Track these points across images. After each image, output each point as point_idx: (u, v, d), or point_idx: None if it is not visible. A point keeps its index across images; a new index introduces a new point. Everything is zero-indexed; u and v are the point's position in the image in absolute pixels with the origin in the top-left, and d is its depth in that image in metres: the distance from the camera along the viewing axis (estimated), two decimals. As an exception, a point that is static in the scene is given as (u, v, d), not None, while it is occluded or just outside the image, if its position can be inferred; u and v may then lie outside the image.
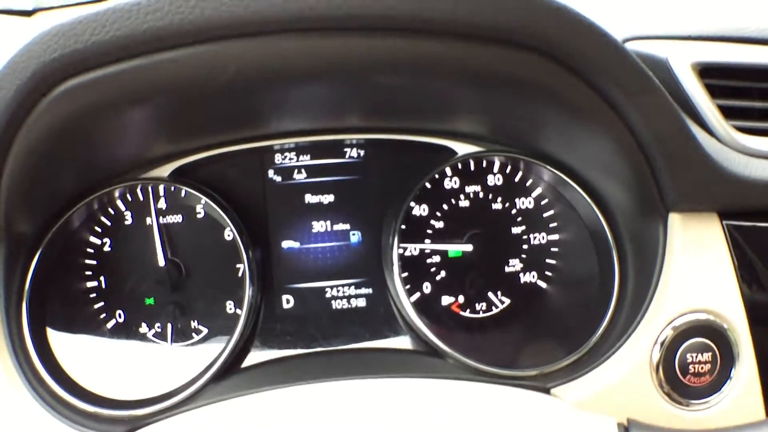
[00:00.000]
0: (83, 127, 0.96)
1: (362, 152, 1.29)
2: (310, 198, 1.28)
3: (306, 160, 1.29)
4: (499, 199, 1.28)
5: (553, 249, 1.28)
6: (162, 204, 1.22)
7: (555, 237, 1.28)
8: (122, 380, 1.14)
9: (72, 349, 1.15)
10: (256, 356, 1.21)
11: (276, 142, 1.26)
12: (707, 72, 1.10)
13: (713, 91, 1.10)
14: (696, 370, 1.03)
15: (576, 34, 0.89)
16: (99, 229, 1.21)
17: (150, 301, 1.21)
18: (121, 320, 1.20)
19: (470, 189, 1.27)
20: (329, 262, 1.28)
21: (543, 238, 1.28)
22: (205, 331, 1.21)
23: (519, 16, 0.86)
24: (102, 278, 1.21)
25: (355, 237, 1.29)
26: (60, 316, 1.16)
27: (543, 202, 1.28)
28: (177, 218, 1.23)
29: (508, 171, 1.28)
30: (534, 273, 1.28)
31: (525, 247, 1.28)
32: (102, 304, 1.20)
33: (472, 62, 0.93)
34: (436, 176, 1.25)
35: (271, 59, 0.89)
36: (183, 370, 1.15)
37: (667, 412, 1.03)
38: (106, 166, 1.17)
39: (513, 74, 0.95)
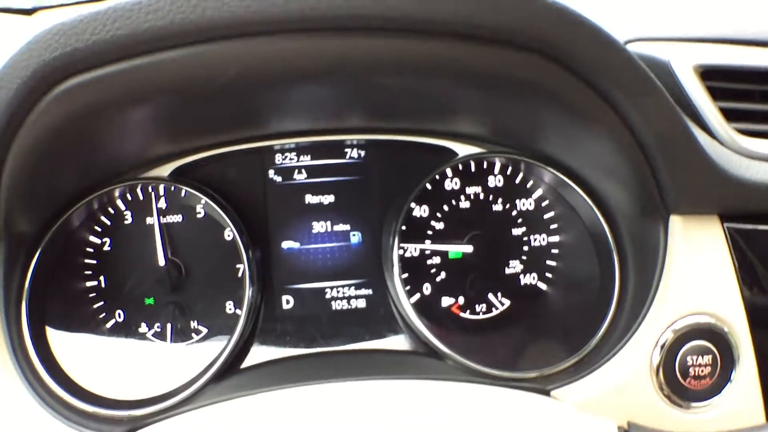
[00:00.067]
0: (83, 127, 0.96)
1: (363, 153, 1.29)
2: (310, 198, 1.28)
3: (306, 160, 1.29)
4: (500, 200, 1.28)
5: (553, 250, 1.28)
6: (162, 204, 1.22)
7: (555, 238, 1.28)
8: (121, 380, 1.14)
9: (71, 348, 1.15)
10: (255, 356, 1.20)
11: (276, 143, 1.26)
12: (709, 74, 1.10)
13: (715, 94, 1.10)
14: (696, 373, 1.03)
15: (577, 36, 0.89)
16: (99, 229, 1.21)
17: (150, 300, 1.21)
18: (120, 320, 1.20)
19: (471, 190, 1.27)
20: (329, 262, 1.28)
21: (543, 239, 1.28)
22: (204, 331, 1.21)
23: (520, 17, 0.86)
24: (102, 278, 1.20)
25: (356, 238, 1.29)
26: (59, 315, 1.16)
27: (543, 204, 1.28)
28: (177, 218, 1.23)
29: (508, 172, 1.28)
30: (534, 274, 1.27)
31: (525, 248, 1.28)
32: (101, 303, 1.20)
33: (473, 63, 0.92)
34: (437, 177, 1.25)
35: (272, 59, 0.88)
36: (182, 370, 1.14)
37: (667, 415, 1.03)
38: (106, 166, 1.17)
39: (514, 75, 0.95)
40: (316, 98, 1.09)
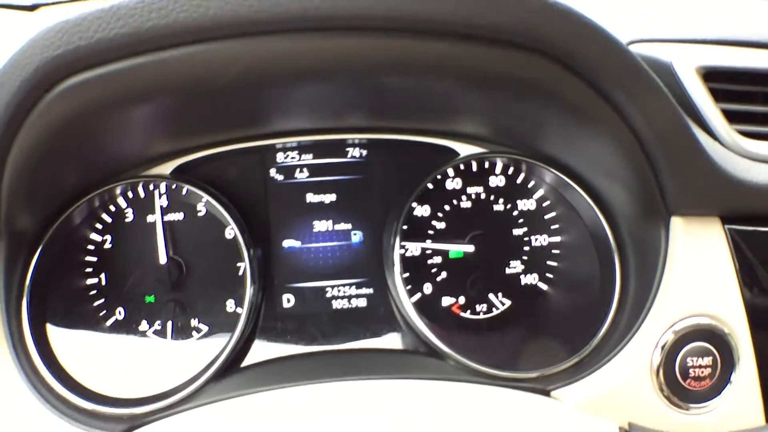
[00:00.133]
0: (85, 125, 0.96)
1: (364, 152, 1.29)
2: (311, 197, 1.28)
3: (308, 159, 1.28)
4: (501, 200, 1.28)
5: (554, 251, 1.28)
6: (163, 202, 1.21)
7: (556, 239, 1.28)
8: (122, 378, 1.14)
9: (72, 345, 1.15)
10: (256, 355, 1.20)
11: (278, 141, 1.26)
12: (711, 76, 1.11)
13: (717, 95, 1.10)
14: (696, 374, 1.03)
15: (579, 36, 0.89)
16: (100, 226, 1.21)
17: (150, 298, 1.21)
18: (121, 317, 1.20)
19: (472, 190, 1.28)
20: (330, 261, 1.28)
21: (544, 239, 1.28)
22: (205, 329, 1.21)
23: (522, 17, 0.87)
24: (102, 275, 1.20)
25: (357, 237, 1.28)
26: (60, 312, 1.16)
27: (545, 204, 1.28)
28: (178, 216, 1.23)
29: (510, 172, 1.28)
30: (535, 275, 1.28)
31: (526, 248, 1.28)
32: (102, 301, 1.20)
33: (474, 63, 0.93)
34: (438, 177, 1.25)
35: (275, 59, 0.89)
36: (183, 369, 1.14)
37: (666, 416, 1.03)
38: (108, 164, 1.17)
39: (516, 75, 0.95)
40: (318, 97, 1.09)
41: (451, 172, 1.26)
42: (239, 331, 1.16)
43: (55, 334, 1.14)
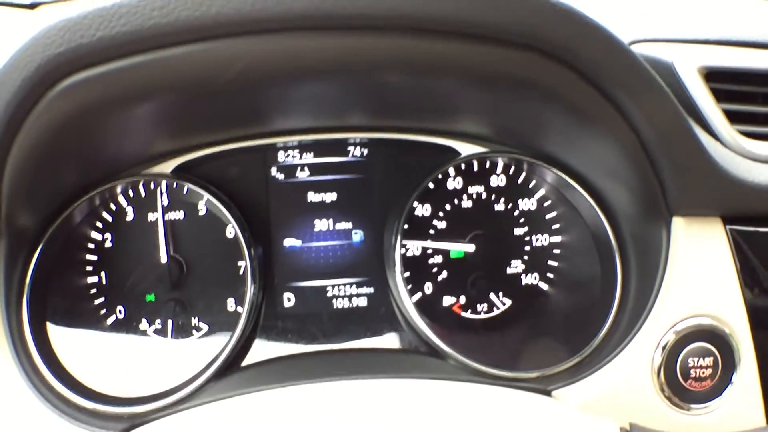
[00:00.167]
0: (87, 123, 0.95)
1: (365, 151, 1.29)
2: (312, 196, 1.28)
3: (309, 158, 1.28)
4: (502, 200, 1.28)
5: (555, 251, 1.28)
6: (164, 200, 1.21)
7: (557, 239, 1.28)
8: (122, 377, 1.14)
9: (72, 344, 1.15)
10: (256, 354, 1.20)
11: (279, 140, 1.26)
12: (713, 76, 1.10)
13: (719, 96, 1.10)
14: (697, 375, 1.03)
15: (582, 36, 0.89)
16: (100, 225, 1.21)
17: (151, 297, 1.21)
18: (121, 316, 1.20)
19: (473, 189, 1.27)
20: (331, 260, 1.28)
21: (545, 239, 1.28)
22: (205, 328, 1.21)
23: (524, 16, 0.86)
24: (103, 274, 1.20)
25: (357, 236, 1.28)
26: (60, 311, 1.16)
27: (546, 204, 1.28)
28: (179, 215, 1.22)
29: (511, 172, 1.28)
30: (536, 275, 1.28)
31: (527, 248, 1.28)
32: (102, 299, 1.20)
33: (476, 63, 0.92)
34: (440, 176, 1.25)
35: (276, 57, 0.88)
36: (183, 368, 1.14)
37: (667, 416, 1.03)
38: (109, 162, 1.17)
39: (518, 75, 0.95)
40: (319, 96, 1.09)
41: (452, 171, 1.26)
42: (240, 330, 1.16)
43: (55, 332, 1.14)
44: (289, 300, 1.27)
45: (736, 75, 1.11)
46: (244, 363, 1.19)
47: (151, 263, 1.20)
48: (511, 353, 1.21)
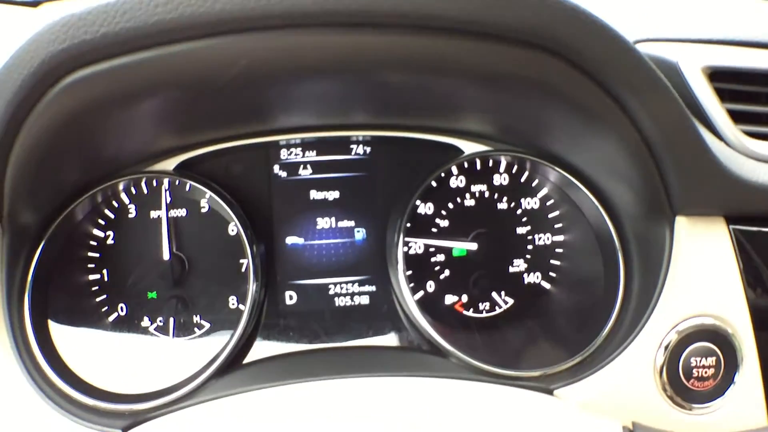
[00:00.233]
0: (89, 120, 0.95)
1: (368, 149, 1.29)
2: (315, 194, 1.28)
3: (312, 156, 1.28)
4: (505, 198, 1.28)
5: (557, 250, 1.28)
6: (167, 197, 1.21)
7: (560, 238, 1.28)
8: (123, 374, 1.14)
9: (73, 341, 1.15)
10: (258, 352, 1.20)
11: (282, 138, 1.26)
12: (717, 76, 1.10)
13: (723, 96, 1.10)
14: (699, 375, 1.03)
15: (587, 34, 0.89)
16: (102, 222, 1.21)
17: (152, 294, 1.20)
18: (123, 313, 1.20)
19: (476, 188, 1.27)
20: (333, 258, 1.28)
21: (548, 238, 1.28)
22: (207, 325, 1.21)
23: (530, 15, 0.86)
24: (105, 271, 1.20)
25: (360, 234, 1.28)
26: (62, 308, 1.16)
27: (549, 203, 1.28)
28: (181, 212, 1.22)
29: (514, 171, 1.28)
30: (538, 273, 1.28)
31: (530, 247, 1.28)
32: (104, 296, 1.20)
33: (480, 61, 0.92)
34: (442, 175, 1.25)
35: (280, 54, 0.88)
36: (185, 365, 1.14)
37: (669, 416, 1.03)
38: (111, 159, 1.17)
39: (522, 74, 0.94)
40: (323, 94, 1.09)
41: (455, 170, 1.26)
42: (241, 328, 1.16)
43: (56, 329, 1.14)
44: (291, 298, 1.27)
45: (741, 75, 1.11)
46: (246, 361, 1.19)
47: (153, 260, 1.20)
48: (514, 352, 1.21)
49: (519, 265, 1.27)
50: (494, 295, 1.26)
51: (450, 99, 1.12)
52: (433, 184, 1.25)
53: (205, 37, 0.83)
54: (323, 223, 1.28)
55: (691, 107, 1.05)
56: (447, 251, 1.26)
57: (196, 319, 1.21)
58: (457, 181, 1.27)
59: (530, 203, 1.28)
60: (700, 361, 1.03)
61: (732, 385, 1.04)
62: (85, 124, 0.96)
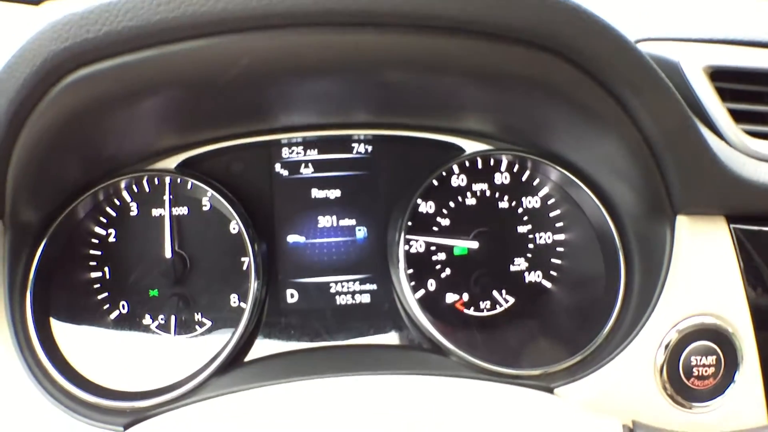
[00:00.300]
0: (91, 119, 0.96)
1: (370, 148, 1.29)
2: (316, 193, 1.28)
3: (313, 154, 1.28)
4: (506, 197, 1.28)
5: (558, 249, 1.28)
6: (168, 196, 1.21)
7: (561, 237, 1.28)
8: (125, 371, 1.14)
9: (75, 339, 1.15)
10: (259, 350, 1.20)
11: (283, 136, 1.26)
12: (719, 75, 1.10)
13: (724, 95, 1.10)
14: (700, 373, 1.03)
15: (588, 34, 0.89)
16: (104, 220, 1.21)
17: (154, 292, 1.21)
18: (124, 311, 1.20)
19: (477, 187, 1.27)
20: (334, 257, 1.28)
21: (549, 237, 1.28)
22: (208, 323, 1.21)
23: (531, 14, 0.86)
24: (106, 269, 1.20)
25: (361, 233, 1.28)
26: (64, 305, 1.16)
27: (550, 202, 1.28)
28: (183, 210, 1.22)
29: (515, 170, 1.28)
30: (539, 272, 1.27)
31: (531, 246, 1.28)
32: (106, 294, 1.20)
33: (482, 61, 0.92)
34: (444, 173, 1.25)
35: (281, 53, 0.88)
36: (186, 363, 1.14)
37: (669, 415, 1.03)
38: (113, 158, 1.17)
39: (524, 73, 0.94)
40: (325, 93, 1.09)
41: (456, 168, 1.26)
42: (243, 326, 1.16)
43: (58, 327, 1.14)
44: (292, 296, 1.27)
45: (742, 74, 1.11)
46: (247, 359, 1.19)
47: (154, 258, 1.20)
48: (514, 350, 1.21)
49: (520, 263, 1.27)
50: (495, 293, 1.26)
51: (451, 98, 1.12)
52: (435, 182, 1.25)
53: (206, 36, 0.83)
54: (324, 221, 1.28)
55: (692, 107, 1.05)
56: (448, 250, 1.27)
57: (197, 317, 1.21)
58: (458, 180, 1.27)
59: (531, 202, 1.28)
60: (701, 360, 1.04)
61: (732, 384, 1.04)
62: (86, 122, 0.96)
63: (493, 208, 1.27)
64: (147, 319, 1.20)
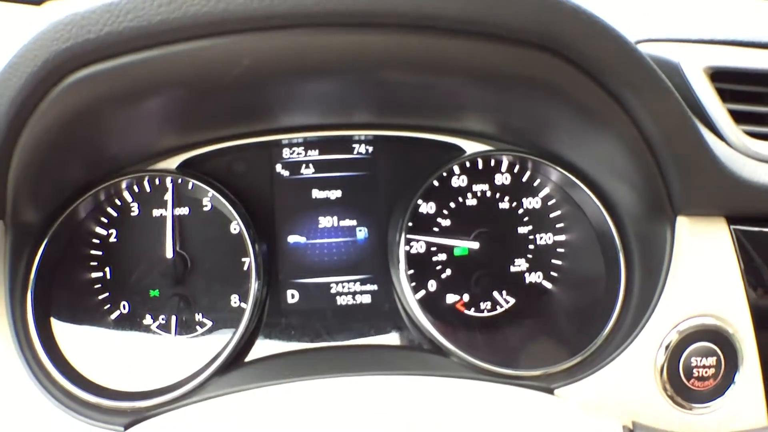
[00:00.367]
0: (92, 118, 0.96)
1: (371, 148, 1.29)
2: (317, 193, 1.28)
3: (314, 155, 1.29)
4: (507, 198, 1.28)
5: (559, 249, 1.28)
6: (171, 196, 1.21)
7: (561, 237, 1.28)
8: (125, 371, 1.14)
9: (76, 339, 1.15)
10: (260, 350, 1.20)
11: (284, 137, 1.26)
12: (719, 76, 1.11)
13: (724, 96, 1.10)
14: (700, 374, 1.03)
15: (589, 34, 0.89)
16: (105, 220, 1.21)
17: (155, 292, 1.21)
18: (125, 311, 1.20)
19: (478, 187, 1.28)
20: (335, 257, 1.28)
21: (549, 238, 1.28)
22: (209, 324, 1.21)
23: (532, 15, 0.86)
24: (107, 269, 1.20)
25: (362, 233, 1.29)
26: (65, 305, 1.16)
27: (550, 203, 1.28)
28: (184, 211, 1.23)
29: (516, 170, 1.28)
30: (539, 273, 1.28)
31: (531, 247, 1.28)
32: (107, 294, 1.20)
33: (483, 61, 0.92)
34: (444, 174, 1.26)
35: (283, 54, 0.88)
36: (186, 363, 1.14)
37: (670, 416, 1.03)
38: (114, 158, 1.17)
39: (525, 74, 0.95)
40: (326, 93, 1.09)
41: (457, 169, 1.26)
42: (243, 327, 1.16)
43: (59, 327, 1.14)
44: (292, 296, 1.27)
45: (742, 75, 1.11)
46: (248, 359, 1.19)
47: (155, 259, 1.20)
48: (514, 351, 1.21)
49: (520, 264, 1.27)
50: (495, 294, 1.27)
51: (452, 98, 1.12)
52: (435, 183, 1.25)
53: (208, 36, 0.83)
54: (325, 222, 1.28)
55: (692, 107, 1.05)
56: (449, 250, 1.27)
57: (198, 317, 1.21)
58: (459, 181, 1.27)
59: (532, 203, 1.28)
60: (701, 360, 1.03)
61: (732, 385, 1.04)
62: (88, 122, 0.96)
63: (494, 209, 1.27)
64: (148, 320, 1.20)
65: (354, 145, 1.29)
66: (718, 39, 1.16)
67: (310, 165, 1.28)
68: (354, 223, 1.28)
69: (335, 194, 1.29)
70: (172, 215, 1.20)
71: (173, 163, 1.22)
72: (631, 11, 1.29)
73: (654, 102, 0.94)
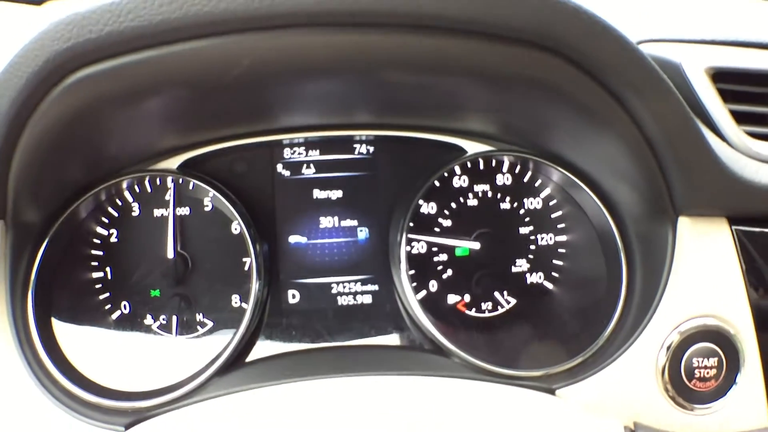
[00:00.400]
0: (93, 118, 0.96)
1: (372, 149, 1.29)
2: (318, 193, 1.28)
3: (315, 155, 1.29)
4: (508, 198, 1.28)
5: (560, 250, 1.28)
6: (169, 196, 1.21)
7: (563, 238, 1.28)
8: (126, 371, 1.14)
9: (76, 339, 1.15)
10: (261, 350, 1.20)
11: (285, 137, 1.26)
12: (720, 77, 1.10)
13: (726, 96, 1.10)
14: (701, 375, 1.03)
15: (591, 35, 0.89)
16: (106, 220, 1.21)
17: (155, 293, 1.21)
18: (126, 311, 1.20)
19: (479, 188, 1.27)
20: (336, 258, 1.28)
21: (551, 238, 1.28)
22: (210, 324, 1.21)
23: (533, 15, 0.86)
24: (108, 269, 1.20)
25: (363, 233, 1.28)
26: (65, 305, 1.16)
27: (551, 203, 1.28)
28: (184, 211, 1.23)
29: (517, 171, 1.28)
30: (541, 274, 1.27)
31: (532, 247, 1.27)
32: (107, 294, 1.20)
33: (484, 61, 0.92)
34: (445, 174, 1.25)
35: (283, 54, 0.88)
36: (187, 363, 1.14)
37: (671, 416, 1.03)
38: (115, 158, 1.17)
39: (526, 74, 0.94)
40: (327, 93, 1.09)
41: (458, 169, 1.26)
42: (244, 327, 1.16)
43: (60, 327, 1.14)
44: (293, 297, 1.27)
45: (744, 76, 1.11)
46: (248, 359, 1.19)
47: (156, 259, 1.20)
48: (516, 351, 1.21)
49: (521, 265, 1.27)
50: (497, 294, 1.26)
51: (453, 98, 1.12)
52: (436, 183, 1.25)
53: (208, 36, 0.83)
54: (326, 222, 1.28)
55: (694, 108, 1.05)
56: (450, 251, 1.27)
57: (198, 317, 1.21)
58: (460, 181, 1.27)
59: (533, 203, 1.28)
60: (702, 361, 1.03)
61: (734, 386, 1.04)
62: (88, 122, 0.96)
63: (495, 209, 1.27)
64: (148, 320, 1.20)
65: (355, 146, 1.29)
66: (720, 39, 1.16)
67: (311, 165, 1.28)
68: (355, 223, 1.28)
69: (336, 194, 1.29)
70: (173, 215, 1.20)
71: (174, 163, 1.22)
72: (632, 11, 1.29)
73: (655, 102, 0.94)
